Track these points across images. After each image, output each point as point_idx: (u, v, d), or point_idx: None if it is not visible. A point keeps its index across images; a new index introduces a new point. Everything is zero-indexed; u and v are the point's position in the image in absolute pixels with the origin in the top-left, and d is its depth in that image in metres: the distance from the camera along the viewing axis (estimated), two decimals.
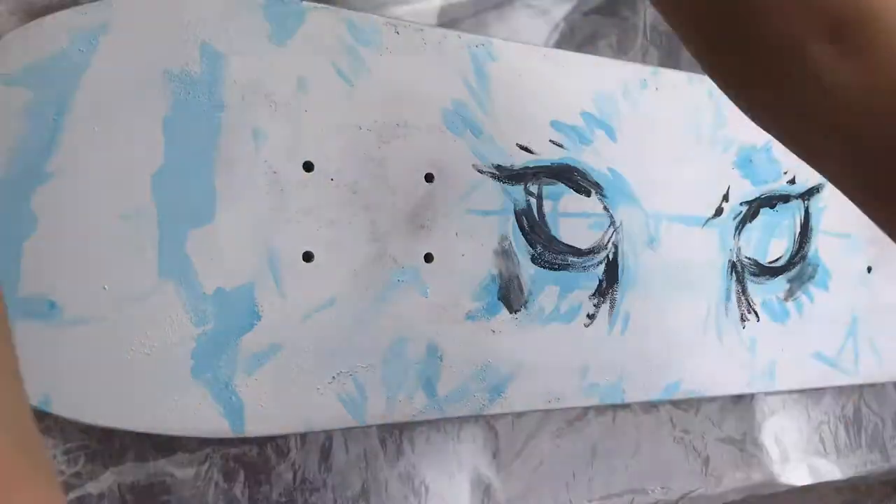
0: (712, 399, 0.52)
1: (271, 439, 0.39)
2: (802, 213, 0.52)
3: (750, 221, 0.50)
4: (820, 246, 0.53)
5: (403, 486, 0.42)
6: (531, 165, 0.42)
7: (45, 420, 0.35)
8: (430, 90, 0.40)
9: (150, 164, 0.34)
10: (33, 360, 0.32)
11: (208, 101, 0.35)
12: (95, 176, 0.33)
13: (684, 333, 0.47)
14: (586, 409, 0.48)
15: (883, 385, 0.60)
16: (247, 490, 0.38)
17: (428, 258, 0.39)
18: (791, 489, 0.55)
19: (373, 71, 0.38)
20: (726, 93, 0.27)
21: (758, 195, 0.50)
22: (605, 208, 0.44)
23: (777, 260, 0.51)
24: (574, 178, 0.43)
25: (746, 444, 0.53)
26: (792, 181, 0.52)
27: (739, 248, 0.49)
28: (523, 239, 0.42)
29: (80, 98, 0.33)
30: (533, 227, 0.42)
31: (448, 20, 0.44)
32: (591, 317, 0.44)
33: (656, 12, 0.51)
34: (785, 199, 0.51)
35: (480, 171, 0.41)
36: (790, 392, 0.55)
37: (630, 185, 0.45)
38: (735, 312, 0.49)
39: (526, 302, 0.42)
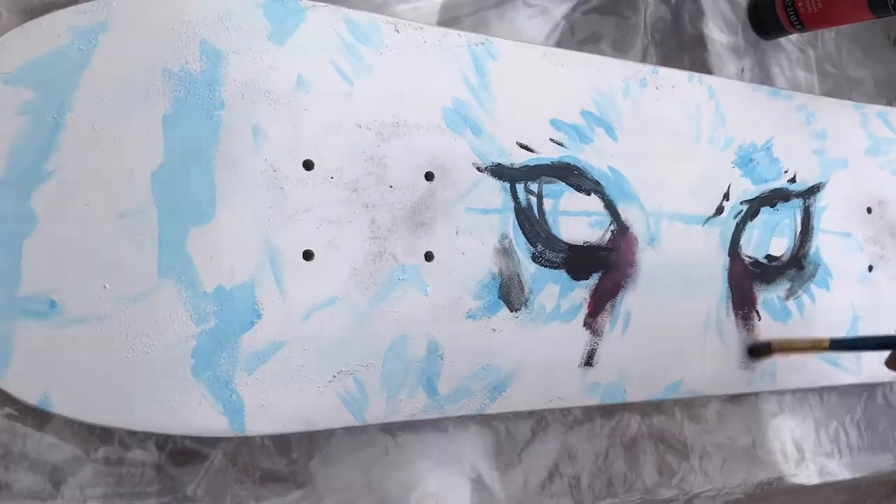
0: (714, 398, 0.52)
1: (271, 438, 0.39)
2: (803, 211, 0.52)
3: (751, 220, 0.50)
4: (821, 245, 0.53)
5: (403, 485, 0.42)
6: (531, 164, 0.42)
7: (46, 420, 0.35)
8: (430, 88, 0.40)
9: (150, 162, 0.34)
10: (33, 360, 0.32)
11: (208, 100, 0.35)
12: (95, 175, 0.33)
13: (685, 333, 0.47)
14: (587, 409, 0.48)
15: (891, 385, 0.60)
16: (247, 489, 0.38)
17: (428, 257, 0.39)
18: (792, 489, 0.55)
19: (373, 69, 0.38)
20: None
21: (758, 194, 0.50)
22: (606, 207, 0.44)
23: (778, 258, 0.51)
24: (574, 176, 0.43)
25: (748, 445, 0.53)
26: (792, 180, 0.52)
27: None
28: (524, 237, 0.42)
29: (80, 96, 0.33)
30: (533, 225, 0.42)
31: (448, 18, 0.44)
32: (591, 315, 0.44)
33: (657, 11, 0.51)
34: (785, 197, 0.51)
35: (480, 170, 0.41)
36: (792, 391, 0.55)
37: (630, 183, 0.45)
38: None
39: (526, 300, 0.41)
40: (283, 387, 0.36)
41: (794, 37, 0.57)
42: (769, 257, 0.50)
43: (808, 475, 0.55)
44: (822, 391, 0.56)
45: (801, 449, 0.55)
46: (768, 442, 0.54)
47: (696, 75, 0.48)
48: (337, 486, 0.40)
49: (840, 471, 0.56)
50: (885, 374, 0.56)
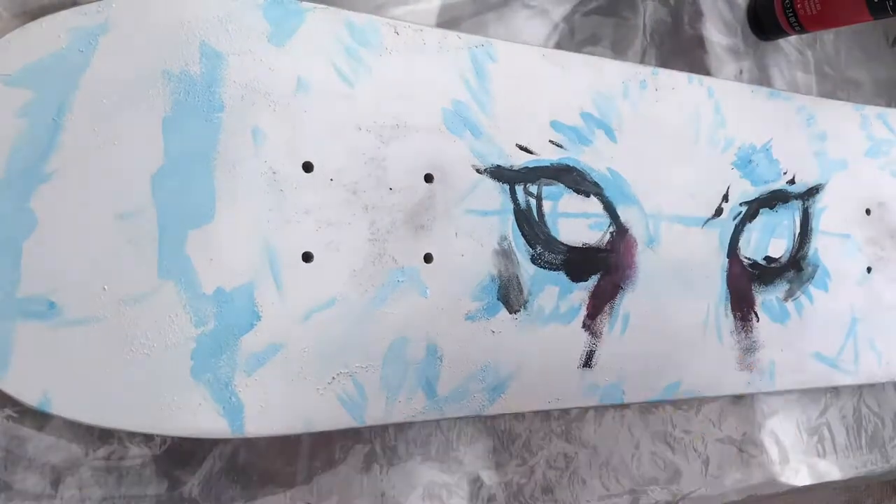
0: (712, 399, 0.52)
1: (270, 439, 0.39)
2: (802, 213, 0.52)
3: (750, 221, 0.50)
4: (819, 246, 0.53)
5: (402, 486, 0.42)
6: (531, 166, 0.42)
7: (45, 420, 0.35)
8: (429, 90, 0.40)
9: (150, 164, 0.34)
10: (33, 360, 0.32)
11: (208, 102, 0.35)
12: (95, 176, 0.33)
13: (684, 334, 0.47)
14: (586, 410, 0.48)
15: (883, 385, 0.60)
16: (246, 490, 0.39)
17: (427, 258, 0.39)
18: (791, 489, 0.55)
19: (372, 71, 0.38)
20: None
21: (757, 195, 0.50)
22: (605, 208, 0.44)
23: (777, 259, 0.51)
24: (574, 178, 0.43)
25: (746, 445, 0.53)
26: (791, 181, 0.52)
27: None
28: (523, 239, 0.42)
29: (80, 98, 0.33)
30: (532, 227, 0.42)
31: (448, 20, 0.44)
32: (590, 317, 0.44)
33: (656, 13, 0.51)
34: (784, 199, 0.51)
35: (480, 172, 0.41)
36: (790, 392, 0.55)
37: (630, 185, 0.45)
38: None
39: (525, 302, 0.42)
40: (282, 388, 0.36)
41: (792, 38, 0.57)
42: (768, 259, 0.51)
43: (799, 476, 0.55)
44: (813, 392, 0.56)
45: (793, 450, 0.55)
46: (761, 442, 0.54)
47: (695, 77, 0.48)
48: (336, 486, 0.40)
49: (831, 471, 0.57)
50: (882, 375, 0.56)
